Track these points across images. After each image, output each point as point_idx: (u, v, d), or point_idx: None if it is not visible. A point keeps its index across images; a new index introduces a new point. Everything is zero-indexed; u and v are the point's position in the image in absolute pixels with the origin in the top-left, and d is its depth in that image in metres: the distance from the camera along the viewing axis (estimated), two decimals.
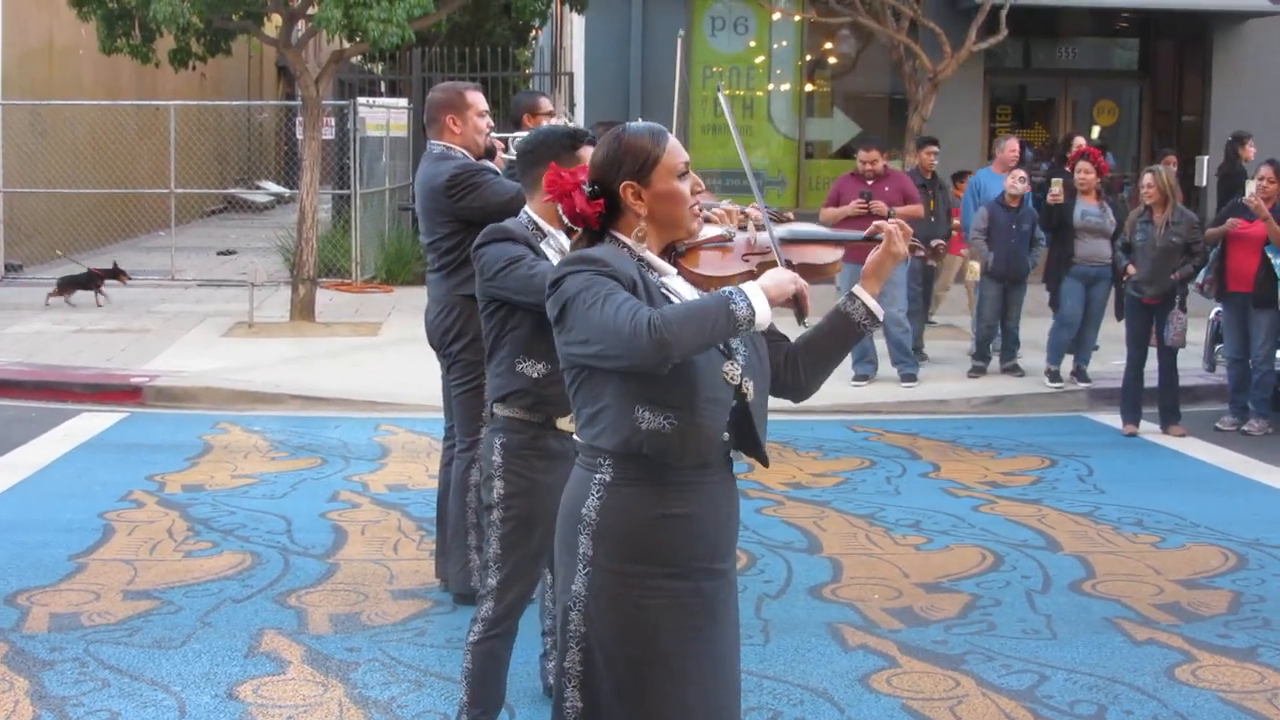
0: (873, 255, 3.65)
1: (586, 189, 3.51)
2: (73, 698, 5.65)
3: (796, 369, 3.66)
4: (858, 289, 3.63)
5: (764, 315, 3.26)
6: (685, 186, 3.53)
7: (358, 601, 6.88)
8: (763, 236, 3.69)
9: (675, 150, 3.53)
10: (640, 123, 3.61)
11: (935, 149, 13.93)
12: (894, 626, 6.63)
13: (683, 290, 3.52)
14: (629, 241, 3.50)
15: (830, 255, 3.76)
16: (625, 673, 3.42)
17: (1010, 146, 14.25)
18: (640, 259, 3.48)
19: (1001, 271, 12.75)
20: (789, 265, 3.57)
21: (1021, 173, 12.97)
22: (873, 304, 3.61)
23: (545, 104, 7.47)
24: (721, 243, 3.69)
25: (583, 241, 3.55)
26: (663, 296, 3.44)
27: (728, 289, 3.27)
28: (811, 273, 3.69)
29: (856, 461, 9.97)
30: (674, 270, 3.56)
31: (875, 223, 3.71)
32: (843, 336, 3.64)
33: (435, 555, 7.09)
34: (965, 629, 6.60)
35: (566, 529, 3.51)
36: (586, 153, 4.82)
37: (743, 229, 3.85)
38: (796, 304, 3.40)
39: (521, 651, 5.05)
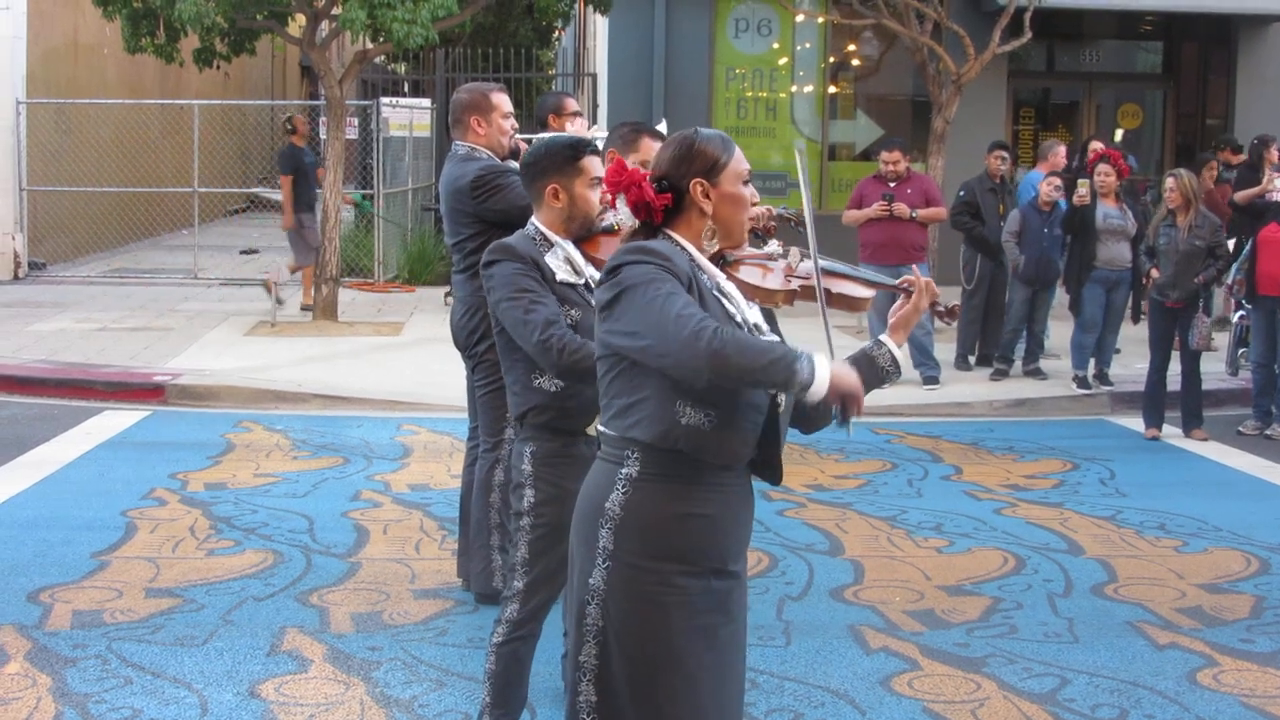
0: (900, 310, 3.75)
1: (653, 183, 3.54)
2: (95, 695, 5.67)
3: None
4: (884, 337, 3.71)
5: (819, 390, 3.25)
6: (746, 194, 3.61)
7: (379, 601, 6.89)
8: (804, 265, 3.79)
9: (740, 158, 3.62)
10: (709, 129, 3.69)
11: (1004, 153, 13.72)
12: (915, 629, 6.62)
13: (734, 293, 3.56)
14: (684, 242, 3.53)
15: (865, 291, 3.93)
16: (640, 668, 3.45)
17: (1060, 152, 14.18)
18: (693, 259, 3.51)
19: (1032, 275, 12.72)
20: (827, 294, 3.67)
21: (1056, 180, 12.93)
22: (899, 353, 3.69)
23: (571, 104, 7.45)
24: (766, 260, 3.80)
25: (637, 237, 3.57)
26: (715, 298, 3.47)
27: (800, 350, 3.27)
28: (845, 304, 3.91)
29: (878, 464, 9.96)
30: (723, 275, 3.60)
31: (907, 277, 3.84)
32: (867, 381, 3.65)
33: (457, 555, 7.09)
34: (987, 632, 6.59)
35: (586, 523, 3.53)
36: (589, 163, 4.86)
37: (784, 255, 3.95)
38: (844, 405, 3.35)
39: (543, 650, 5.06)
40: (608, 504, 3.47)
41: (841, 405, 3.35)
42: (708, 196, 3.54)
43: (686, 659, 3.44)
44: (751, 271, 3.73)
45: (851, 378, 3.33)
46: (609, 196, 4.10)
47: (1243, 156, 15.58)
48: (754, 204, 3.66)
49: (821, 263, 3.87)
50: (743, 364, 3.22)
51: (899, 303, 3.80)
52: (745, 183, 3.61)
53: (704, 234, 3.57)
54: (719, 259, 3.66)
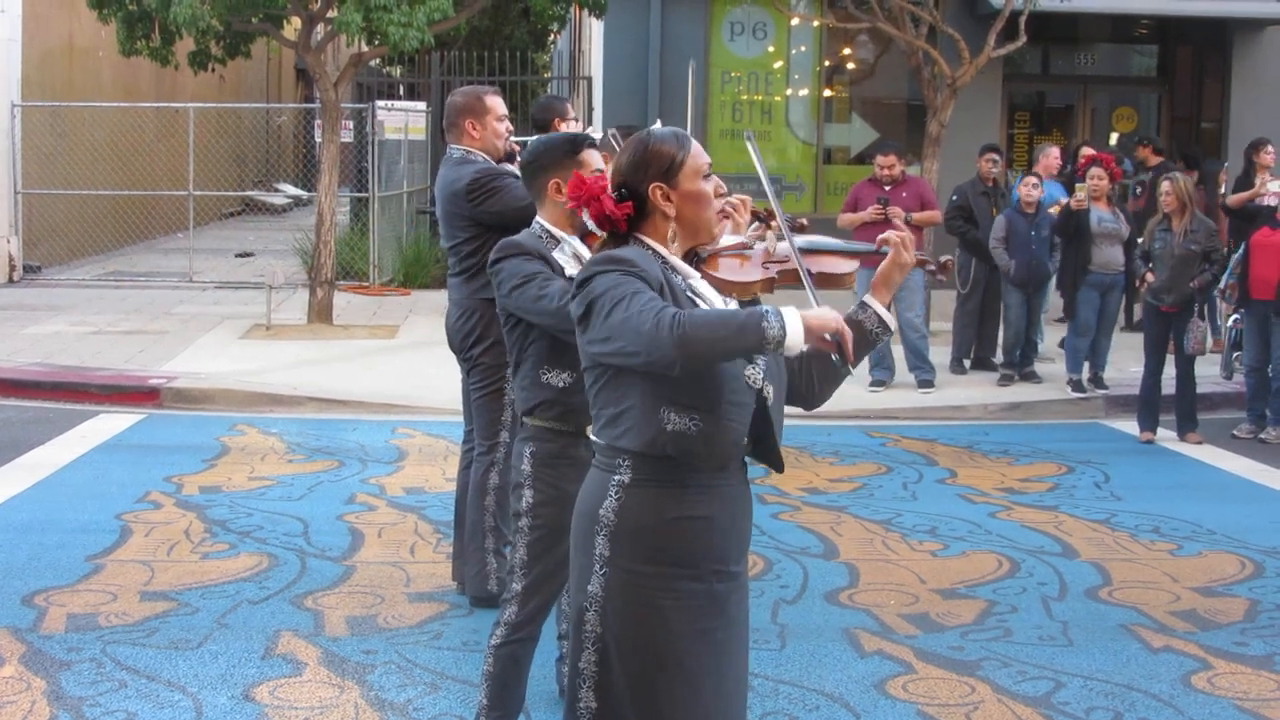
0: (881, 265, 3.72)
1: (613, 193, 3.53)
2: (89, 698, 5.67)
3: (810, 377, 3.70)
4: (868, 298, 3.70)
5: (795, 339, 3.21)
6: (709, 188, 3.57)
7: (374, 604, 6.89)
8: (782, 246, 3.75)
9: (698, 153, 3.57)
10: (663, 127, 3.65)
11: (996, 156, 13.64)
12: (910, 632, 6.62)
13: (707, 292, 3.55)
14: (654, 244, 3.52)
15: (846, 265, 3.85)
16: (639, 674, 3.44)
17: (1054, 154, 14.15)
18: (665, 261, 3.50)
19: (1023, 278, 12.70)
20: (809, 273, 3.64)
21: (1034, 180, 12.91)
22: (884, 312, 3.69)
23: (569, 110, 7.49)
24: (741, 250, 3.75)
25: (608, 245, 3.57)
26: (689, 299, 3.46)
27: (764, 307, 3.24)
28: (828, 282, 3.79)
29: (873, 467, 9.96)
30: (697, 274, 3.58)
31: (882, 235, 3.78)
32: (856, 345, 3.64)
33: (452, 558, 7.10)
34: (981, 635, 6.59)
35: (583, 530, 3.52)
36: (588, 156, 4.87)
37: (761, 239, 3.91)
38: (839, 346, 3.35)
39: (538, 654, 5.05)
40: (602, 511, 3.47)
41: (836, 345, 3.33)
42: (669, 200, 3.52)
43: (687, 662, 3.44)
44: (729, 265, 3.70)
45: (826, 314, 3.29)
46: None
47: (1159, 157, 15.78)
48: (720, 195, 3.62)
49: (800, 240, 3.82)
50: (710, 338, 3.18)
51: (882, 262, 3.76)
52: (706, 177, 3.56)
53: (668, 237, 3.55)
54: (693, 255, 3.64)
